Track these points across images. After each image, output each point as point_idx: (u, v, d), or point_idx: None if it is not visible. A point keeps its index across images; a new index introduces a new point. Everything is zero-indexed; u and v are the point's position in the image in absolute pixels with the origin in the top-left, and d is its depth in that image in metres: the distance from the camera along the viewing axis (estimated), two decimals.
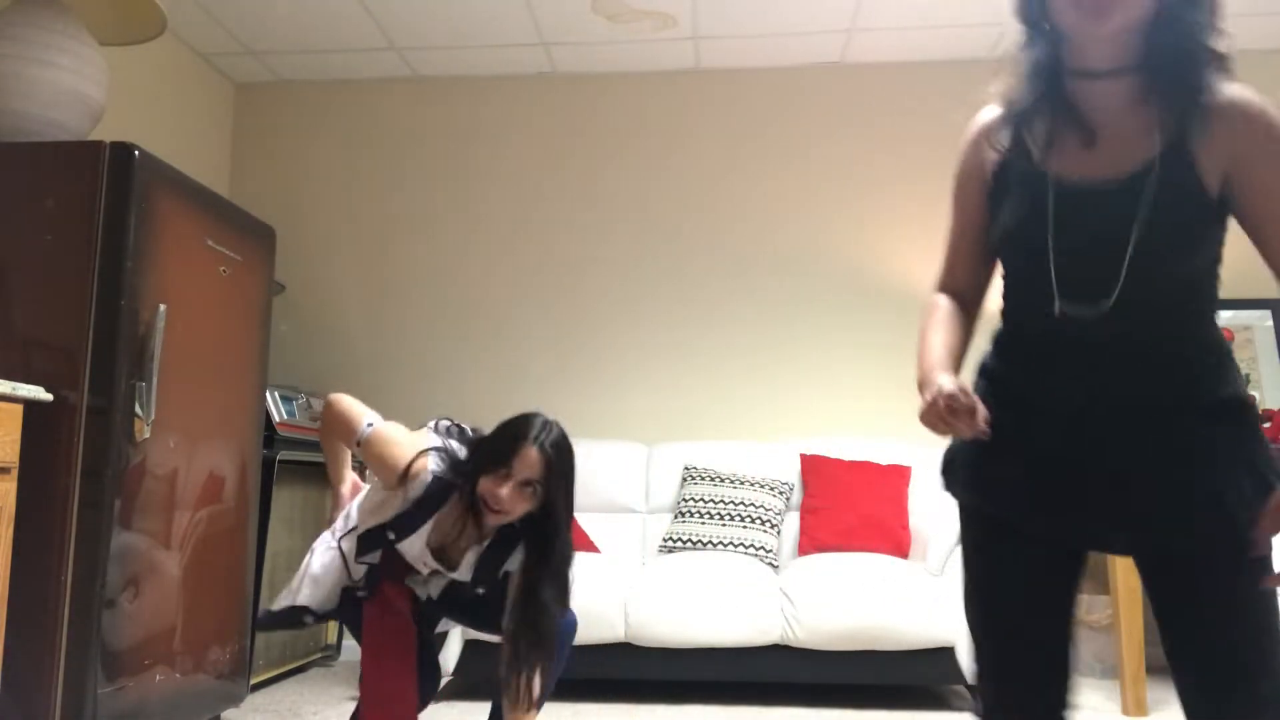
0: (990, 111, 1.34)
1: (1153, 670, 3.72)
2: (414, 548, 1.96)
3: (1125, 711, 3.07)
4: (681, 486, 3.76)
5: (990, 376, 1.34)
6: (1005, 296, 1.34)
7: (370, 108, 4.50)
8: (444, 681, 3.26)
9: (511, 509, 1.88)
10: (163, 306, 2.45)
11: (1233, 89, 1.18)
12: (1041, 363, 1.27)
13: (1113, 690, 3.40)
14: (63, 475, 2.27)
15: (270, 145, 4.53)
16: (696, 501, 3.63)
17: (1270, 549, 1.16)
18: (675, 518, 3.67)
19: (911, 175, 4.25)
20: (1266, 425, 3.51)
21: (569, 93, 4.44)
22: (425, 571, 2.01)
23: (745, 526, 3.53)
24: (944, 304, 1.40)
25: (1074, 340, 1.21)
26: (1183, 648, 1.20)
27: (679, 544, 3.54)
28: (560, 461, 1.91)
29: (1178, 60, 1.16)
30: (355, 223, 4.44)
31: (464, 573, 2.01)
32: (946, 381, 1.15)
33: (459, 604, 2.07)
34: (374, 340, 4.33)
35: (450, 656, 3.22)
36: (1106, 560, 3.23)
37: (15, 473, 2.11)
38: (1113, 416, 1.21)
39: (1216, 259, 1.24)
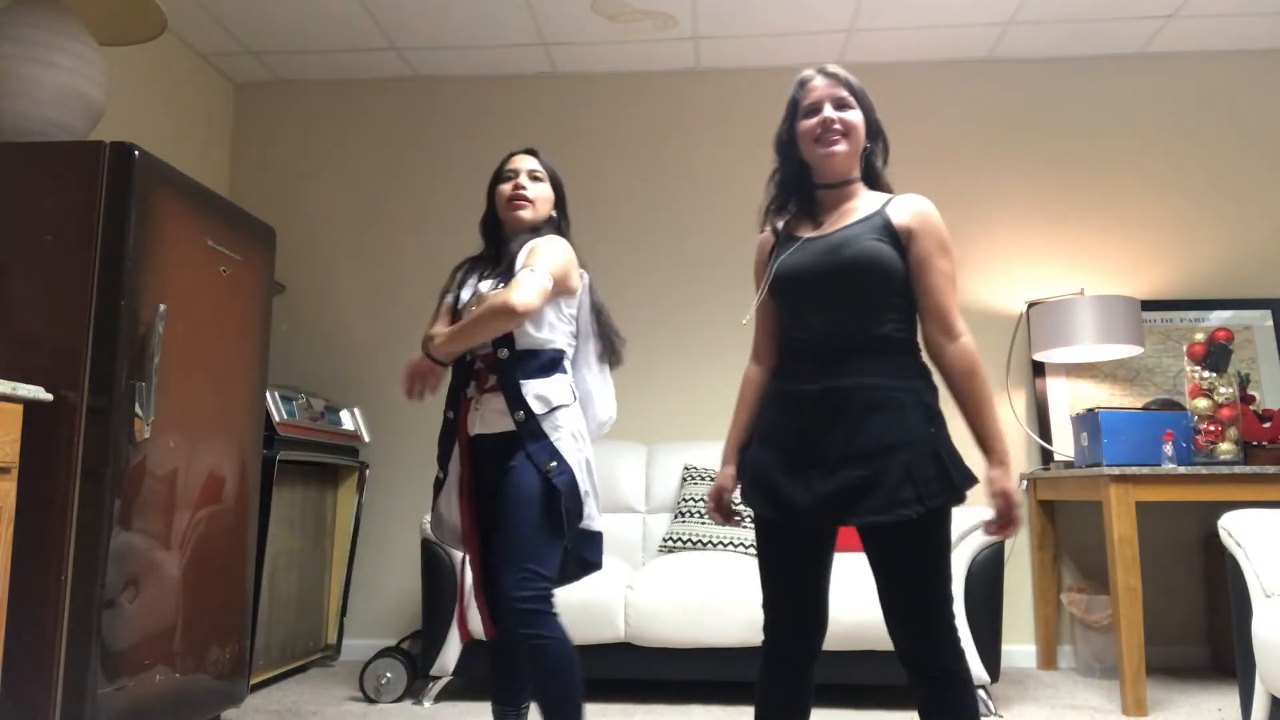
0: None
1: (1153, 670, 3.73)
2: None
3: (1125, 711, 3.07)
4: (681, 486, 3.76)
5: None
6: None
7: (370, 108, 4.50)
8: (443, 681, 3.27)
9: (530, 190, 2.18)
10: (163, 306, 2.45)
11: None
12: None
13: (1113, 690, 3.40)
14: (63, 475, 2.27)
15: (270, 145, 4.53)
16: (696, 501, 3.63)
17: None
18: (675, 518, 3.67)
19: (911, 175, 4.24)
20: (1267, 425, 3.51)
21: (569, 93, 4.44)
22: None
23: (745, 526, 3.53)
24: (753, 377, 1.91)
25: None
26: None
27: (679, 544, 3.55)
28: (542, 155, 2.27)
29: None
30: (355, 223, 4.44)
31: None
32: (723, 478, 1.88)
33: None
34: (374, 340, 4.33)
35: (450, 656, 3.22)
36: (1106, 560, 3.23)
37: (15, 473, 2.11)
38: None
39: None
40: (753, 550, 3.46)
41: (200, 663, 2.67)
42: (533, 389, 2.05)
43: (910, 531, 1.60)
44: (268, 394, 3.24)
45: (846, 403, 1.65)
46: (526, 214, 2.18)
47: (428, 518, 3.33)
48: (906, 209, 1.72)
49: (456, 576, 3.24)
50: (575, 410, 2.12)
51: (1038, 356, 3.92)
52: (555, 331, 2.14)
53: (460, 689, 3.41)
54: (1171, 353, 4.01)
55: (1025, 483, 3.96)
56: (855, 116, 1.75)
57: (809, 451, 1.66)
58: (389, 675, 3.26)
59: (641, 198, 4.35)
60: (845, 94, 1.75)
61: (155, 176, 2.49)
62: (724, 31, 4.06)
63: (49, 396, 2.21)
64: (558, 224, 2.24)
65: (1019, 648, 3.90)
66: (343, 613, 3.96)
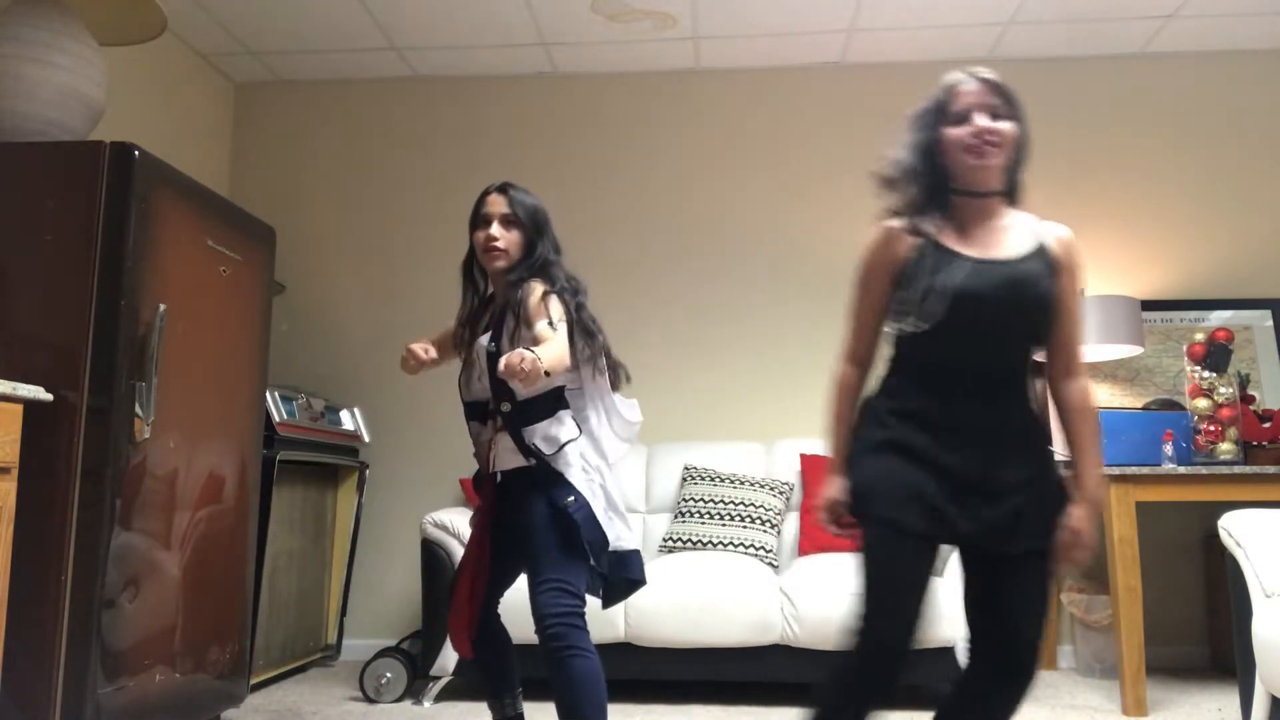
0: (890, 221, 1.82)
1: (1153, 670, 3.73)
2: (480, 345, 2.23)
3: (1125, 711, 3.07)
4: (681, 486, 3.76)
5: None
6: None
7: (370, 108, 4.50)
8: (444, 681, 3.27)
9: (502, 238, 2.18)
10: (163, 306, 2.45)
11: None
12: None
13: (1113, 690, 3.40)
14: (63, 475, 2.27)
15: (270, 145, 4.53)
16: (696, 501, 3.63)
17: None
18: (675, 518, 3.67)
19: None
20: (1267, 425, 3.51)
21: (569, 93, 4.44)
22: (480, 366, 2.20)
23: (745, 526, 3.53)
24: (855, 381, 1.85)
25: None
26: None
27: (679, 544, 3.54)
28: (516, 189, 2.24)
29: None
30: (355, 223, 4.44)
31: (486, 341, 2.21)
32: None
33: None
34: (374, 340, 4.33)
35: (450, 656, 3.22)
36: (1106, 560, 3.23)
37: (15, 473, 2.11)
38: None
39: None
40: (753, 550, 3.46)
41: (200, 663, 2.67)
42: (538, 433, 2.12)
43: (1049, 553, 1.70)
44: (268, 394, 3.24)
45: (1004, 432, 1.70)
46: (501, 263, 2.21)
47: (428, 518, 3.33)
48: (1061, 244, 1.75)
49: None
50: (583, 441, 2.17)
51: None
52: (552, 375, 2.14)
53: (460, 689, 3.41)
54: (1171, 353, 4.01)
55: None
56: (1009, 127, 1.72)
57: (968, 476, 1.67)
58: (389, 675, 3.26)
59: (641, 197, 4.35)
60: (999, 102, 1.73)
61: (155, 176, 2.49)
62: (724, 31, 4.06)
63: (49, 396, 2.21)
64: (531, 265, 2.21)
65: None
66: (343, 613, 3.96)
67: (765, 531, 3.53)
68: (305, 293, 4.38)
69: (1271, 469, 3.18)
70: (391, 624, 4.13)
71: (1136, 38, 4.11)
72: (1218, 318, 4.02)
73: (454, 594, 2.21)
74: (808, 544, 3.55)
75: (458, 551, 3.26)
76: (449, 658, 3.21)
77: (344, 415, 3.91)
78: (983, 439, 1.68)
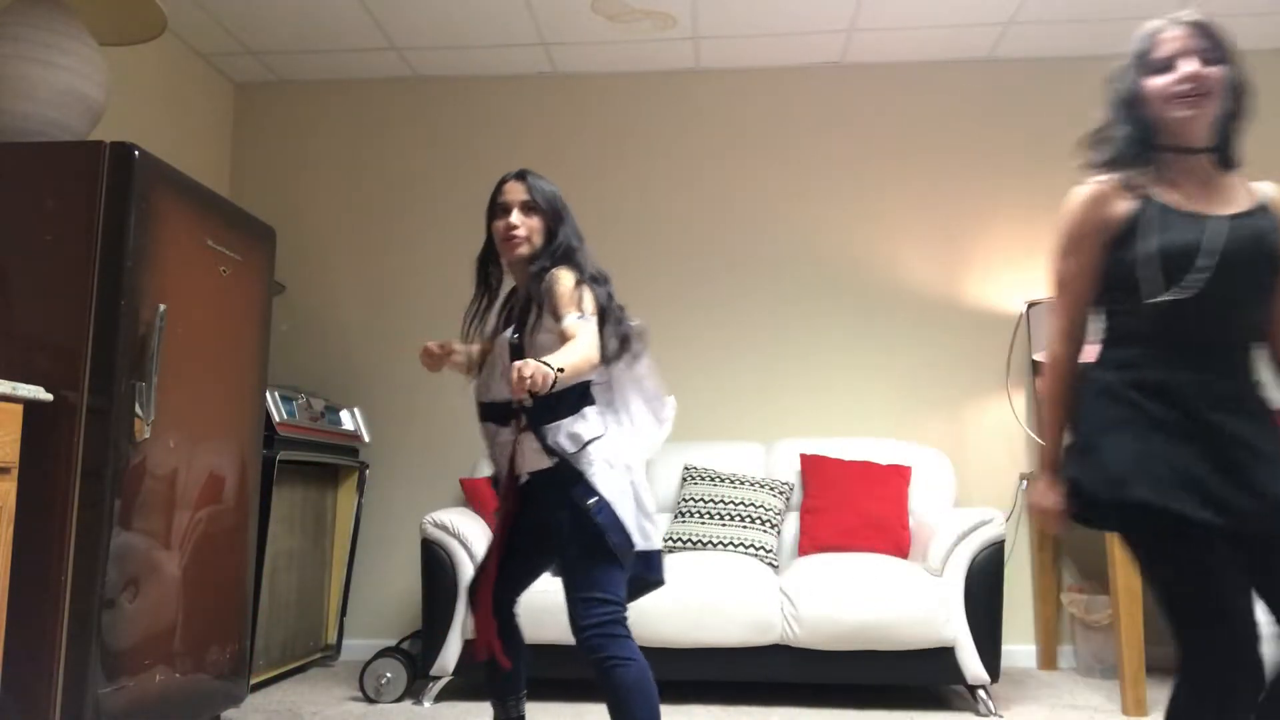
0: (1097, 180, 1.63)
1: (1153, 670, 3.73)
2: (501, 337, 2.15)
3: (1125, 711, 3.07)
4: (681, 486, 3.76)
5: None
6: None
7: (370, 108, 4.50)
8: (444, 681, 3.27)
9: (522, 225, 2.13)
10: (163, 306, 2.45)
11: None
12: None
13: (1113, 690, 3.40)
14: (63, 475, 2.27)
15: (270, 145, 4.53)
16: (696, 501, 3.63)
17: None
18: (675, 518, 3.67)
19: (911, 175, 4.25)
20: None
21: (569, 93, 4.44)
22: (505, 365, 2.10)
23: (745, 526, 3.53)
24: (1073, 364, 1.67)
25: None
26: None
27: (679, 544, 3.55)
28: (534, 176, 2.18)
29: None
30: (355, 223, 4.44)
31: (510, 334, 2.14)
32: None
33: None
34: (374, 340, 4.33)
35: (450, 656, 3.22)
36: (1106, 560, 3.23)
37: (15, 473, 2.11)
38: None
39: None
40: (753, 550, 3.46)
41: (200, 663, 2.67)
42: (562, 430, 2.05)
43: None
44: (268, 394, 3.24)
45: (1251, 403, 1.55)
46: (523, 251, 2.15)
47: (428, 518, 3.33)
48: (1276, 202, 1.63)
49: (456, 576, 3.24)
50: (609, 438, 2.10)
51: (1038, 356, 3.91)
52: (579, 376, 2.08)
53: (460, 689, 3.41)
54: None
55: (1025, 483, 3.96)
56: (1219, 72, 1.56)
57: (1234, 453, 1.48)
58: (389, 675, 3.26)
59: (641, 197, 4.35)
60: (1207, 45, 1.56)
61: (155, 176, 2.49)
62: (724, 31, 4.06)
63: (49, 396, 2.21)
64: (554, 252, 2.15)
65: (1019, 648, 3.90)
66: (343, 613, 3.96)
67: (765, 531, 3.53)
68: (305, 293, 4.38)
69: None
70: (391, 624, 4.13)
71: None
72: None
73: (478, 598, 2.12)
74: (808, 544, 3.55)
75: (458, 551, 3.26)
76: (449, 658, 3.21)
77: (344, 415, 3.91)
78: (1237, 410, 1.51)
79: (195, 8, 3.86)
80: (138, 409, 2.37)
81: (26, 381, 2.22)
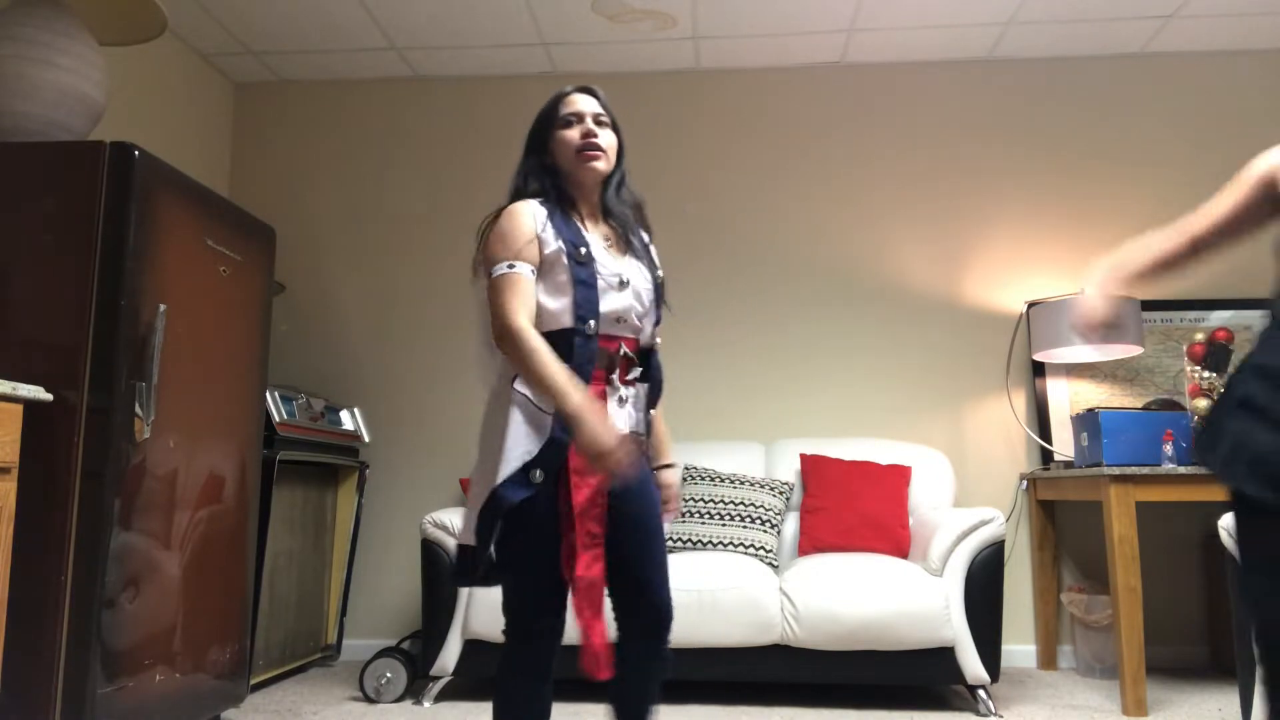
0: None
1: (1153, 670, 3.73)
2: (601, 256, 1.78)
3: (1125, 711, 3.07)
4: (682, 486, 3.76)
5: None
6: None
7: (370, 108, 4.50)
8: (444, 681, 3.27)
9: (603, 141, 1.83)
10: (163, 306, 2.45)
11: None
12: None
13: (1113, 690, 3.40)
14: (63, 475, 2.27)
15: (270, 145, 4.53)
16: (696, 501, 3.63)
17: None
18: (675, 517, 3.67)
19: (911, 175, 4.26)
20: None
21: None
22: (620, 279, 1.79)
23: (745, 526, 3.53)
24: None
25: None
26: None
27: (679, 544, 3.55)
28: (602, 94, 1.94)
29: None
30: (355, 223, 4.44)
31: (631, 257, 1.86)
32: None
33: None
34: (374, 340, 4.33)
35: (450, 656, 3.21)
36: (1106, 560, 3.22)
37: (15, 473, 2.11)
38: None
39: None
40: (753, 550, 3.46)
41: (200, 663, 2.67)
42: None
43: None
44: (268, 394, 3.24)
45: None
46: (602, 165, 1.83)
47: (428, 518, 3.33)
48: None
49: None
50: None
51: (1038, 356, 3.92)
52: None
53: (460, 689, 3.41)
54: (1171, 353, 4.01)
55: (1025, 483, 3.96)
56: None
57: None
58: (389, 675, 3.26)
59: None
60: None
61: (155, 176, 2.49)
62: (724, 31, 4.06)
63: (49, 396, 2.21)
64: (623, 175, 1.94)
65: (1019, 648, 3.90)
66: (343, 613, 3.96)
67: (765, 531, 3.54)
68: (305, 293, 4.38)
69: None
70: (391, 624, 4.13)
71: (1136, 38, 4.11)
72: (1218, 318, 4.03)
73: (583, 598, 1.74)
74: (808, 544, 3.55)
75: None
76: (449, 658, 3.21)
77: (344, 415, 3.91)
78: None
79: (195, 8, 3.86)
80: (138, 409, 2.38)
81: (27, 381, 2.23)
